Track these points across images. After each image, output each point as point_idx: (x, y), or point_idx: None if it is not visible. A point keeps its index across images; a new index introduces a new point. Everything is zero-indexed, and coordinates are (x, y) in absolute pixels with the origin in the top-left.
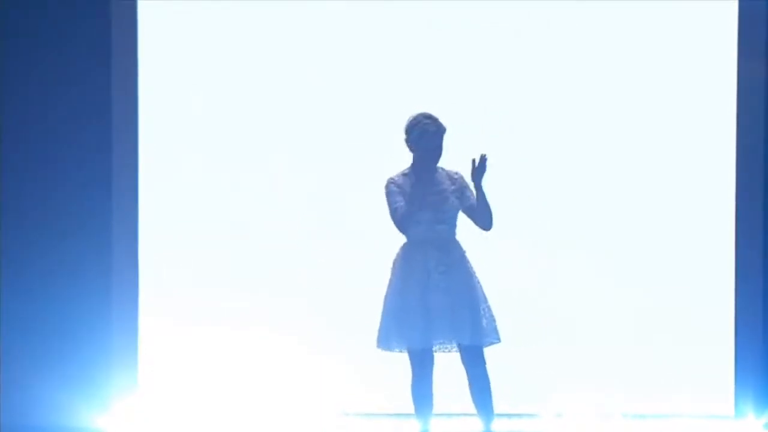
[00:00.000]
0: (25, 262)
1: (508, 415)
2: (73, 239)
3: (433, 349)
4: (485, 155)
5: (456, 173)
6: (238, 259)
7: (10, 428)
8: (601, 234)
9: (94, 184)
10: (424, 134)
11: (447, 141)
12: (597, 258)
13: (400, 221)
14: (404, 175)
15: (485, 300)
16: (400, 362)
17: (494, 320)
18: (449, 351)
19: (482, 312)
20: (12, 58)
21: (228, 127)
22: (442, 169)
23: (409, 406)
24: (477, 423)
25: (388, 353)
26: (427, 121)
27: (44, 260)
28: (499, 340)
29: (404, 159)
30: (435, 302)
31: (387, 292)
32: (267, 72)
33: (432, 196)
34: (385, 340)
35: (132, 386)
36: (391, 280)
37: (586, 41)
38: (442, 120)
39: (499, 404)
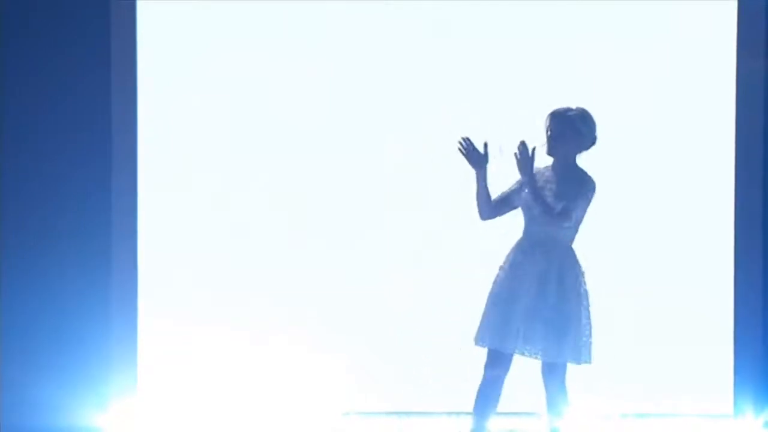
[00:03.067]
0: (24, 263)
1: (508, 414)
2: (73, 239)
3: (515, 353)
4: (534, 147)
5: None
6: (238, 260)
7: (10, 428)
8: (601, 234)
9: (94, 184)
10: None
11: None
12: (597, 258)
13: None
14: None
15: (588, 316)
16: (400, 363)
17: (591, 338)
18: (533, 357)
19: (583, 329)
20: (12, 58)
21: (227, 127)
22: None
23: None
24: (544, 421)
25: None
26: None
27: (44, 260)
28: (583, 361)
29: (406, 160)
30: (533, 310)
31: (492, 289)
32: (266, 72)
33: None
34: (481, 338)
35: (131, 386)
36: (498, 275)
37: (586, 41)
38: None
39: (499, 403)
